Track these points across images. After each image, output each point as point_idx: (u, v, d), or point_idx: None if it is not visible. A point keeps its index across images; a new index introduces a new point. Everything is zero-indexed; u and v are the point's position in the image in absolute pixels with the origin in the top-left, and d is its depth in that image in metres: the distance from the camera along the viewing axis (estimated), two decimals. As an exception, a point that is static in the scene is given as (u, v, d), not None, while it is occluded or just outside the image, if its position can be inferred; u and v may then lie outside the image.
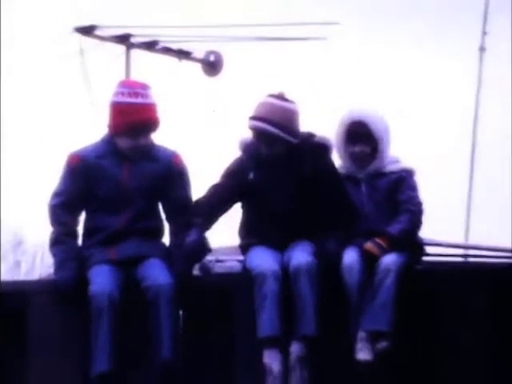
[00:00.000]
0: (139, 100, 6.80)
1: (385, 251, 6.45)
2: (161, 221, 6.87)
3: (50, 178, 7.02)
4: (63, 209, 6.73)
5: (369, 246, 6.47)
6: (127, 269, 6.60)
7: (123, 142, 6.71)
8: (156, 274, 6.53)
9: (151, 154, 6.80)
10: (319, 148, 6.72)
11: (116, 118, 6.79)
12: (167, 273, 6.54)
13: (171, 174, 6.78)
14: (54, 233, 6.74)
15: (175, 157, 6.83)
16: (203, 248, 6.73)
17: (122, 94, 6.87)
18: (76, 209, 6.80)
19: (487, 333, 6.51)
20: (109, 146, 6.79)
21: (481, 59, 19.45)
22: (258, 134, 6.69)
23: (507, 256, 9.57)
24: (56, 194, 6.76)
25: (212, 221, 6.78)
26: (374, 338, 6.31)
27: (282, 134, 6.62)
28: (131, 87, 6.98)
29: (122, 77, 12.95)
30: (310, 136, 6.74)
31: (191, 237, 6.64)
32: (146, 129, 6.80)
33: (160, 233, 6.89)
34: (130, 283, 6.57)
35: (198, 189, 6.93)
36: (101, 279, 6.50)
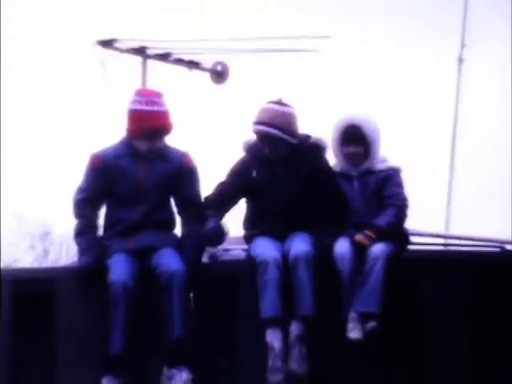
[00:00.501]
0: (154, 108, 6.88)
1: (373, 241, 6.47)
2: (173, 214, 6.92)
3: (76, 175, 7.06)
4: (86, 203, 6.81)
5: (359, 237, 6.49)
6: (143, 257, 6.64)
7: (140, 145, 6.77)
8: (169, 261, 6.58)
9: (164, 154, 6.86)
10: (316, 148, 6.75)
11: (134, 123, 6.87)
12: (179, 260, 6.58)
13: (182, 171, 6.83)
14: (77, 225, 6.82)
15: (186, 156, 6.88)
16: (222, 232, 6.78)
17: (140, 102, 6.94)
18: (97, 203, 6.87)
19: (466, 316, 6.52)
20: (127, 147, 6.85)
21: (459, 69, 19.48)
22: (262, 136, 6.70)
23: (485, 245, 9.59)
24: (79, 190, 6.84)
25: (221, 214, 6.81)
26: (363, 318, 6.31)
27: (283, 136, 6.64)
28: (147, 96, 7.06)
29: (139, 85, 12.97)
30: (307, 137, 6.76)
31: (210, 225, 6.69)
32: (160, 133, 6.88)
33: (172, 225, 6.93)
34: (145, 270, 6.59)
35: (208, 185, 6.96)
36: (118, 268, 6.58)
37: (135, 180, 6.79)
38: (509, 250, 8.85)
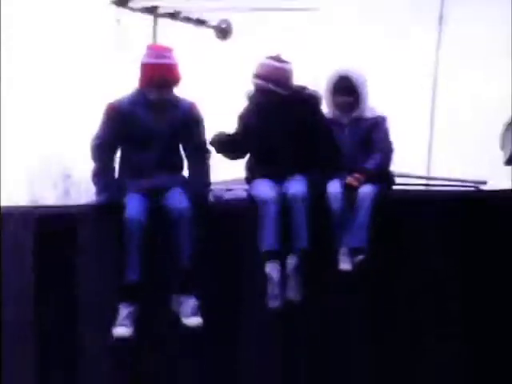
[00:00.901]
0: (164, 61, 6.95)
1: (362, 183, 6.50)
2: (181, 157, 6.96)
3: (93, 122, 7.09)
4: (102, 148, 6.89)
5: (350, 179, 6.50)
6: (155, 196, 6.73)
7: (151, 94, 6.81)
8: (177, 200, 6.67)
9: (174, 103, 6.91)
10: (310, 98, 6.77)
11: (145, 74, 6.94)
12: (186, 199, 6.67)
13: (190, 119, 6.87)
14: (94, 167, 6.89)
15: (193, 106, 6.93)
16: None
17: (151, 55, 7.03)
18: (112, 148, 6.94)
19: (444, 247, 6.56)
20: (139, 97, 6.89)
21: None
22: (258, 89, 6.75)
23: (462, 185, 9.67)
24: (96, 137, 6.92)
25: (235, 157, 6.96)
26: (353, 252, 6.38)
27: (276, 89, 6.69)
28: (157, 50, 7.20)
29: (150, 41, 12.90)
30: (303, 89, 6.79)
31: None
32: (169, 84, 6.93)
33: (181, 167, 6.97)
34: (157, 208, 6.63)
35: (214, 129, 6.99)
36: (133, 206, 6.65)
37: (148, 126, 6.84)
38: (482, 190, 8.92)
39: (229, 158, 6.98)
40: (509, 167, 8.99)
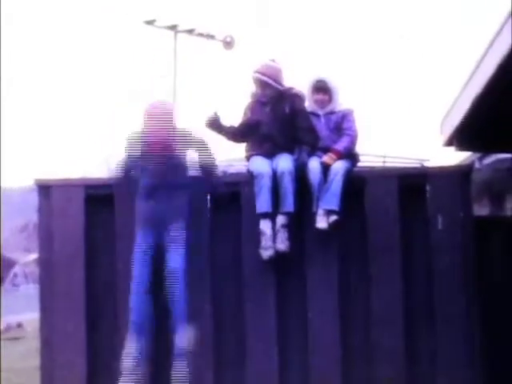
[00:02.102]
0: (151, 128, 6.19)
1: (335, 161, 6.59)
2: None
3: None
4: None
5: (325, 158, 6.59)
6: (158, 255, 6.21)
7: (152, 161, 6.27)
8: (176, 261, 6.14)
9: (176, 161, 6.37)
10: (296, 95, 6.82)
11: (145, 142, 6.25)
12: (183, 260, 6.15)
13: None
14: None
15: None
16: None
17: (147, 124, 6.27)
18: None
19: (395, 212, 6.64)
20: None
21: None
22: (256, 81, 6.78)
23: (410, 162, 9.73)
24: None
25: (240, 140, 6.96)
26: (328, 214, 6.44)
27: (271, 82, 6.72)
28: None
29: (172, 53, 12.83)
30: (291, 88, 6.84)
31: None
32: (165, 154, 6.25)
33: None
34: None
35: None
36: (138, 307, 6.09)
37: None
38: (425, 166, 8.97)
39: (231, 140, 7.00)
40: (445, 148, 9.05)
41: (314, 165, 6.60)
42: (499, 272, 7.67)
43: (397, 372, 6.45)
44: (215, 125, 6.76)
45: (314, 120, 6.81)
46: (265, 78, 6.75)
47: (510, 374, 6.84)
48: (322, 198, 6.51)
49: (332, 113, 6.87)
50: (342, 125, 6.81)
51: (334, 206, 6.46)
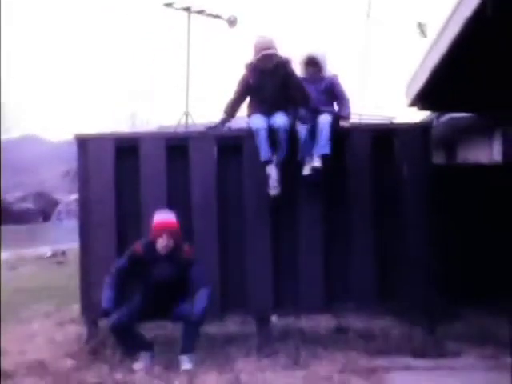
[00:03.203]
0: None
1: (348, 123, 6.72)
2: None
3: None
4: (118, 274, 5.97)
5: (343, 124, 6.63)
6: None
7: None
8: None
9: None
10: (287, 62, 6.65)
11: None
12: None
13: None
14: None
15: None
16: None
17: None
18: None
19: (368, 162, 6.63)
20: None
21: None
22: (264, 53, 6.53)
23: (382, 119, 9.66)
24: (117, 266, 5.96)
25: (233, 113, 6.79)
26: (321, 157, 6.41)
27: (276, 53, 6.58)
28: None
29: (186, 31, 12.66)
30: (282, 56, 6.67)
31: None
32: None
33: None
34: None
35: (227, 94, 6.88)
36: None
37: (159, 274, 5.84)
38: (393, 123, 8.95)
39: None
40: (410, 108, 9.04)
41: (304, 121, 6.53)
42: (451, 205, 7.81)
43: (370, 287, 6.52)
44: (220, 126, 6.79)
45: (307, 86, 6.67)
46: (272, 51, 6.56)
47: (455, 290, 7.09)
48: (316, 145, 6.45)
49: (321, 79, 6.75)
50: (333, 91, 6.72)
51: (327, 151, 6.43)
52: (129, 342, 5.75)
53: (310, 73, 6.73)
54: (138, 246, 5.80)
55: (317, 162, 6.42)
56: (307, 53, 6.78)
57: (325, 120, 6.50)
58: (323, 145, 6.43)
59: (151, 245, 5.78)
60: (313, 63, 6.73)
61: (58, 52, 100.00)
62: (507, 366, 5.39)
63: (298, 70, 6.78)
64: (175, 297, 5.79)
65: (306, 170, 6.47)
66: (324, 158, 6.41)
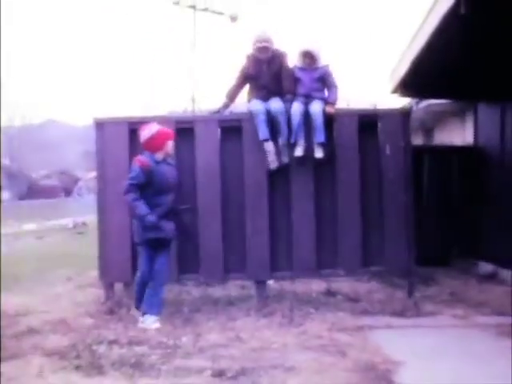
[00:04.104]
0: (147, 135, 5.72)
1: (333, 108, 6.51)
2: None
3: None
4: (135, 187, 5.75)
5: (328, 109, 6.46)
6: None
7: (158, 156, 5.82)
8: None
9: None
10: (282, 55, 6.60)
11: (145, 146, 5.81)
12: None
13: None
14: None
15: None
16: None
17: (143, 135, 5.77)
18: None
19: (355, 145, 6.55)
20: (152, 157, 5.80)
21: None
22: (262, 46, 6.50)
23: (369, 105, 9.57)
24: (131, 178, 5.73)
25: (233, 98, 6.71)
26: (320, 144, 6.38)
27: (273, 47, 6.53)
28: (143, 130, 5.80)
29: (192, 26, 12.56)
30: (278, 49, 6.61)
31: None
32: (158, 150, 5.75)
33: None
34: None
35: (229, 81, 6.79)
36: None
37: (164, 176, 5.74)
38: (377, 108, 8.89)
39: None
40: (392, 95, 8.98)
41: (295, 107, 6.46)
42: (427, 183, 7.79)
43: (356, 255, 6.49)
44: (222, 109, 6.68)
45: (303, 73, 6.60)
46: (270, 45, 6.51)
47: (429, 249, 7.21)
48: (314, 135, 6.39)
49: (316, 68, 6.63)
50: (325, 80, 6.61)
51: (322, 139, 6.39)
52: (138, 295, 5.72)
53: (306, 63, 6.63)
54: (144, 160, 5.66)
55: (319, 153, 6.40)
56: (304, 46, 6.68)
57: (317, 109, 6.43)
58: (319, 134, 6.39)
59: (151, 156, 5.71)
60: (309, 55, 6.62)
61: (76, 44, 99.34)
62: (476, 325, 5.44)
63: (296, 60, 6.68)
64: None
65: (299, 151, 6.41)
66: (321, 145, 6.39)
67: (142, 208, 5.56)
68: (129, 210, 5.98)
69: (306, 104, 6.47)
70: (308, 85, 6.55)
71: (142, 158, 5.70)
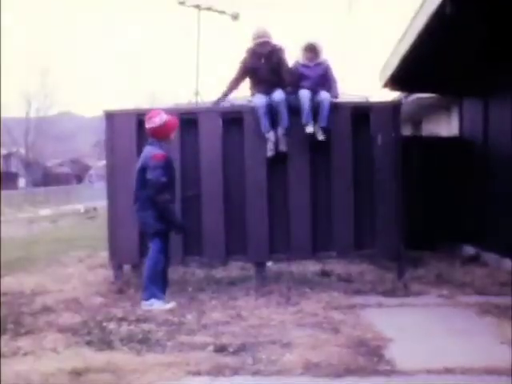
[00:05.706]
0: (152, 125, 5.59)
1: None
2: None
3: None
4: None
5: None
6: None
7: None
8: None
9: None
10: (280, 50, 6.55)
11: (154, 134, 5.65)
12: None
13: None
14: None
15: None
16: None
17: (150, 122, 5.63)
18: None
19: (349, 133, 6.52)
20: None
21: None
22: (262, 41, 6.47)
23: (359, 98, 9.53)
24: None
25: (232, 89, 6.64)
26: (323, 129, 6.36)
27: (272, 41, 6.50)
28: (151, 117, 5.65)
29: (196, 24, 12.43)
30: (276, 44, 6.56)
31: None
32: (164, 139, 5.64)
33: None
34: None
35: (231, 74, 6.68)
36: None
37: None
38: (369, 101, 8.84)
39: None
40: (384, 89, 8.97)
41: (304, 93, 6.41)
42: (415, 171, 7.79)
43: (349, 239, 6.45)
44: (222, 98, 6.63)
45: (306, 69, 6.56)
46: (269, 40, 6.47)
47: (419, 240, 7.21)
48: (318, 119, 6.36)
49: (318, 64, 6.60)
50: (327, 74, 6.57)
51: (325, 124, 6.37)
52: (159, 282, 5.54)
53: (308, 58, 6.58)
54: (163, 155, 5.50)
55: (321, 136, 6.39)
56: (307, 41, 6.63)
57: (325, 97, 6.42)
58: (323, 119, 6.38)
59: (161, 144, 5.60)
60: (311, 50, 6.57)
61: (88, 39, 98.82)
62: (460, 303, 5.43)
63: (298, 55, 6.65)
64: None
65: (309, 129, 6.37)
66: (323, 129, 6.38)
67: (176, 214, 5.63)
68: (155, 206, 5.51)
69: (313, 95, 6.43)
70: (314, 80, 6.52)
71: (160, 153, 5.48)
